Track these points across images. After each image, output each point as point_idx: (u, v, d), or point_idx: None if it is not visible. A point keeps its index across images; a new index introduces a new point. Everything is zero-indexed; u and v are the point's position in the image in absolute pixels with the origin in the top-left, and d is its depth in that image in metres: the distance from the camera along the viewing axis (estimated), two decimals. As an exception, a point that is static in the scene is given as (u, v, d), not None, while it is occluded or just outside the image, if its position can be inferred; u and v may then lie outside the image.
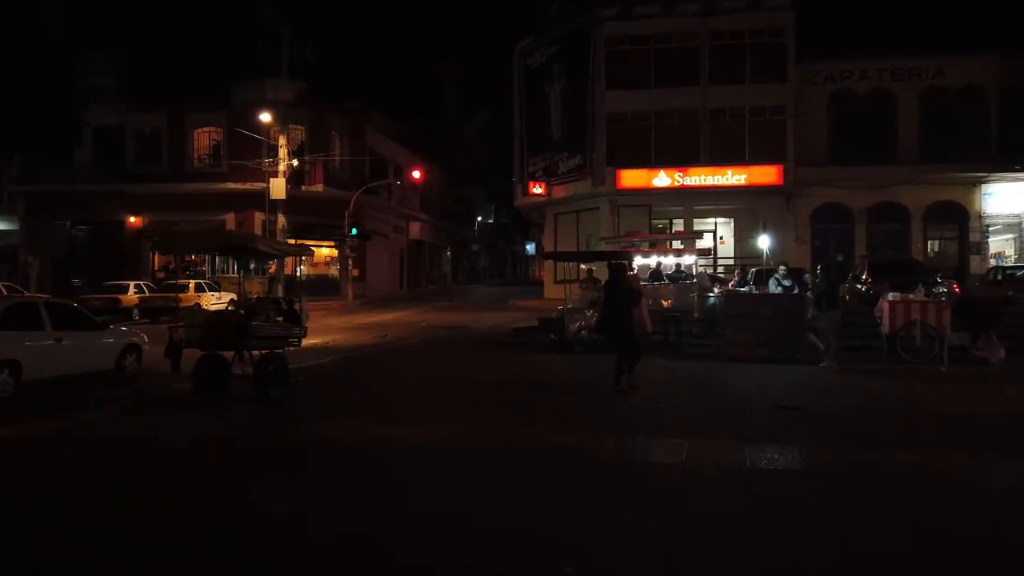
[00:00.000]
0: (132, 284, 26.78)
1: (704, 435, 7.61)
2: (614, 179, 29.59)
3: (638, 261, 21.90)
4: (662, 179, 29.20)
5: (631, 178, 29.64)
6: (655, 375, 11.76)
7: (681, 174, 29.00)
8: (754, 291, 17.57)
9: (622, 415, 8.88)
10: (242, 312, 9.85)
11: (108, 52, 33.99)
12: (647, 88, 29.42)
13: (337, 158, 34.92)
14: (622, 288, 10.39)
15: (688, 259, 22.07)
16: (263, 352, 9.50)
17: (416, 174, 33.03)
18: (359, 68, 42.50)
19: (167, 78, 33.33)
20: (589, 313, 14.31)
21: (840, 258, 28.31)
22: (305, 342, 18.33)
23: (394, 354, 15.72)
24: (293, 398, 9.70)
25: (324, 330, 21.46)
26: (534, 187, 31.89)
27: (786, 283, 14.99)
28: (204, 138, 33.81)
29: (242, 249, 11.06)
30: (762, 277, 18.28)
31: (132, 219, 33.15)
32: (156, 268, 33.77)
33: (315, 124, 33.18)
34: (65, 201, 32.48)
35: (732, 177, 28.68)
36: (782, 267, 16.37)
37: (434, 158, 48.35)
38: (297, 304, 10.48)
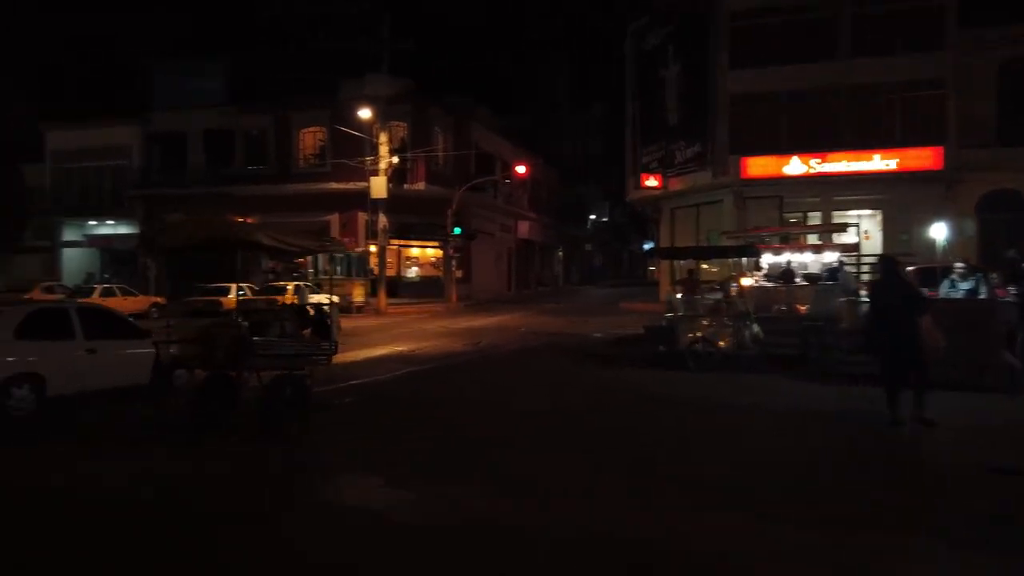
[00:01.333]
0: (234, 286, 26.46)
1: (882, 527, 5.09)
2: (738, 168, 26.49)
3: (767, 260, 19.04)
4: (795, 166, 25.81)
5: (758, 166, 26.43)
6: (790, 402, 9.16)
7: (818, 160, 25.50)
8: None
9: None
10: (244, 323, 8.08)
11: (217, 55, 34.32)
12: (776, 65, 26.08)
13: (440, 154, 33.66)
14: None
15: (829, 256, 18.90)
16: (277, 374, 7.71)
17: (521, 169, 31.19)
18: (464, 61, 41.28)
19: (273, 78, 33.26)
20: (706, 322, 11.80)
21: (1012, 254, 24.01)
22: (389, 349, 17.12)
23: (474, 367, 13.74)
24: (316, 430, 7.92)
25: (415, 336, 19.92)
26: (648, 179, 29.25)
27: (965, 285, 11.83)
28: (309, 138, 33.48)
29: (237, 243, 8.77)
30: (932, 277, 14.90)
31: (241, 221, 33.20)
32: (266, 270, 33.76)
33: (417, 120, 32.05)
34: (180, 204, 32.99)
35: (880, 162, 24.88)
36: (959, 265, 13.12)
37: (544, 154, 46.48)
38: (326, 313, 8.59)
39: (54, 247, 36.24)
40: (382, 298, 28.93)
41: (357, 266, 29.88)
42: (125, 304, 26.90)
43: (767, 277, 19.25)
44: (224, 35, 34.94)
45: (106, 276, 34.98)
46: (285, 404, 7.53)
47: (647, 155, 30.50)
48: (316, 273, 30.00)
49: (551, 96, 55.24)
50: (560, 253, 53.07)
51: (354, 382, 11.61)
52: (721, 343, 11.22)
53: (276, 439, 7.40)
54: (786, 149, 26.14)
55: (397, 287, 32.74)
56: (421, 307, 30.58)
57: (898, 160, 24.79)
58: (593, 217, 58.66)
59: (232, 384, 7.85)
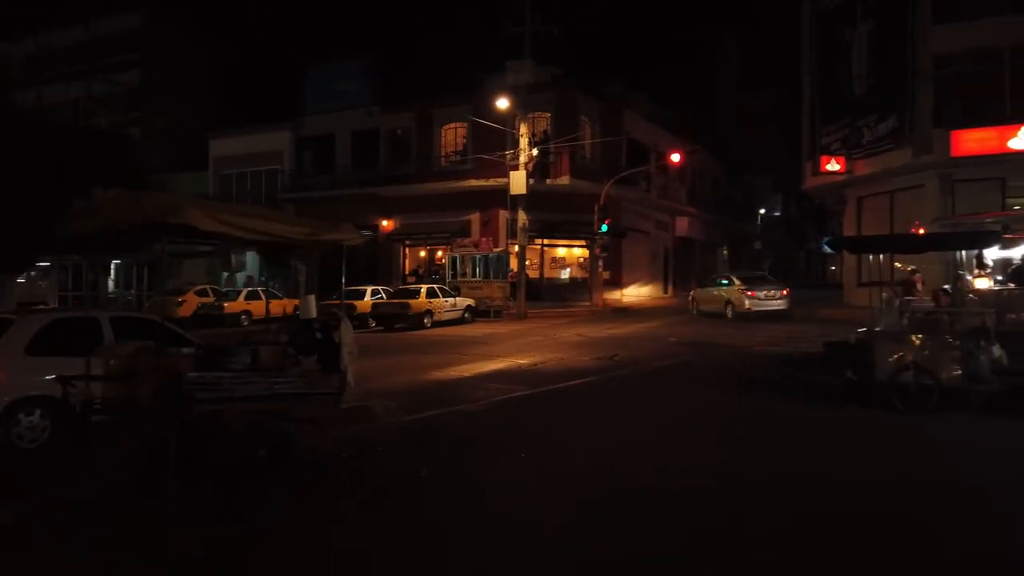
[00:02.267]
0: (369, 289, 25.49)
1: None
2: (946, 144, 21.57)
3: (993, 255, 14.77)
4: (1023, 140, 20.57)
5: (973, 141, 21.38)
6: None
7: (1056, 129, 20.14)
8: None
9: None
10: (189, 350, 5.82)
11: (362, 55, 33.90)
12: (995, 15, 20.93)
13: (587, 144, 30.99)
14: None
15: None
16: (250, 423, 5.43)
17: (675, 157, 27.80)
18: (618, 45, 38.35)
19: (417, 75, 32.25)
20: (918, 341, 8.31)
21: None
22: (507, 362, 14.78)
23: (596, 395, 10.92)
24: (296, 509, 5.53)
25: (545, 345, 17.49)
26: (829, 162, 24.84)
27: None
28: (450, 135, 32.13)
29: (161, 227, 6.04)
30: None
31: (384, 222, 32.59)
32: (407, 271, 32.93)
33: (562, 109, 29.62)
34: (327, 206, 32.87)
35: None
36: None
37: (709, 144, 42.39)
38: (336, 331, 6.15)
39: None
40: (521, 302, 26.82)
41: (497, 267, 27.98)
42: (263, 307, 26.79)
43: (995, 278, 14.90)
44: (370, 33, 34.50)
45: (263, 279, 35.76)
46: (257, 466, 5.24)
47: (828, 135, 26.02)
48: (454, 274, 28.45)
49: (718, 81, 50.72)
50: (724, 252, 48.46)
51: (425, 414, 9.34)
52: (943, 372, 7.72)
53: (232, 515, 5.18)
54: (1011, 118, 20.91)
55: (540, 290, 30.52)
56: (565, 311, 28.15)
57: None
58: (763, 211, 53.19)
59: (190, 436, 5.52)
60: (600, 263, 29.80)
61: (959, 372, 7.45)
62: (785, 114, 50.18)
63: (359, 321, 23.91)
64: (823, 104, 26.60)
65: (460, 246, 28.60)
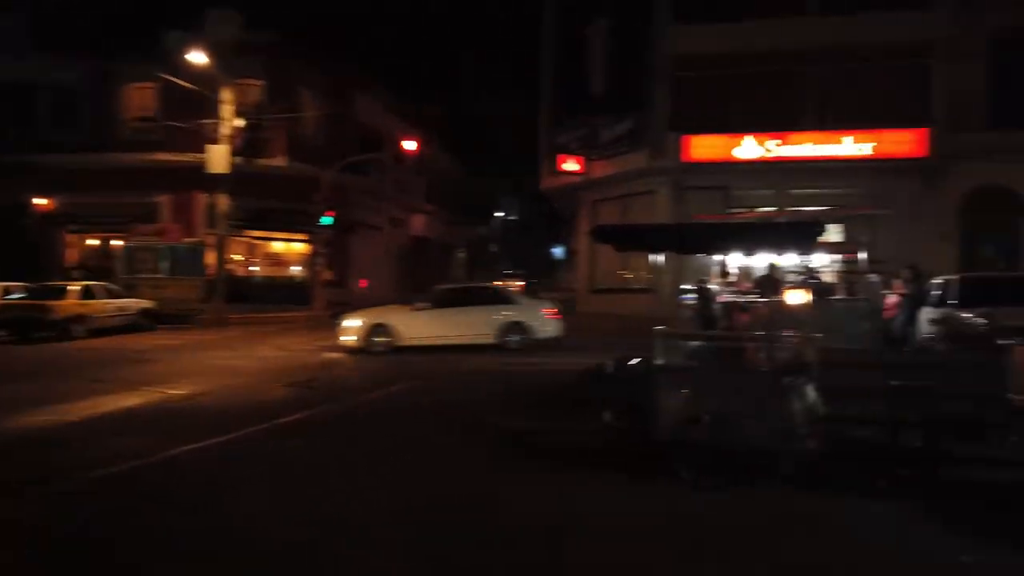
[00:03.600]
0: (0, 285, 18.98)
1: None
2: (678, 148, 21.13)
3: (733, 263, 13.74)
4: (748, 149, 20.66)
5: (703, 147, 21.16)
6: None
7: (777, 142, 20.45)
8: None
9: None
10: None
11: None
12: (731, 21, 20.86)
13: (311, 122, 26.82)
14: None
15: (820, 258, 13.64)
16: None
17: (410, 145, 24.86)
18: (356, 32, 34.77)
19: (91, 18, 25.55)
20: (717, 383, 5.82)
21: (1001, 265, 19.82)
22: (156, 393, 10.10)
23: (260, 457, 7.11)
24: None
25: (226, 366, 13.24)
26: (566, 162, 23.52)
27: None
28: (136, 97, 25.97)
29: None
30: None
31: (41, 200, 25.43)
32: (69, 264, 26.04)
33: (277, 79, 25.12)
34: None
35: (853, 146, 20.04)
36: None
37: (448, 142, 40.24)
38: None
39: None
40: (219, 304, 21.97)
41: (191, 262, 22.75)
42: None
43: (735, 288, 13.83)
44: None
45: None
46: None
47: (566, 134, 24.76)
48: (131, 269, 22.58)
49: (461, 81, 49.04)
50: (462, 254, 46.86)
51: None
52: (750, 427, 5.24)
53: None
54: (738, 127, 20.99)
55: (249, 291, 25.74)
56: (278, 317, 23.77)
57: (875, 144, 20.00)
58: (501, 214, 52.73)
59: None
60: (322, 261, 25.81)
61: (767, 426, 5.09)
62: (525, 118, 50.15)
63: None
64: (562, 102, 25.34)
65: (139, 234, 22.86)
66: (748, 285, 14.07)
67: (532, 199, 54.39)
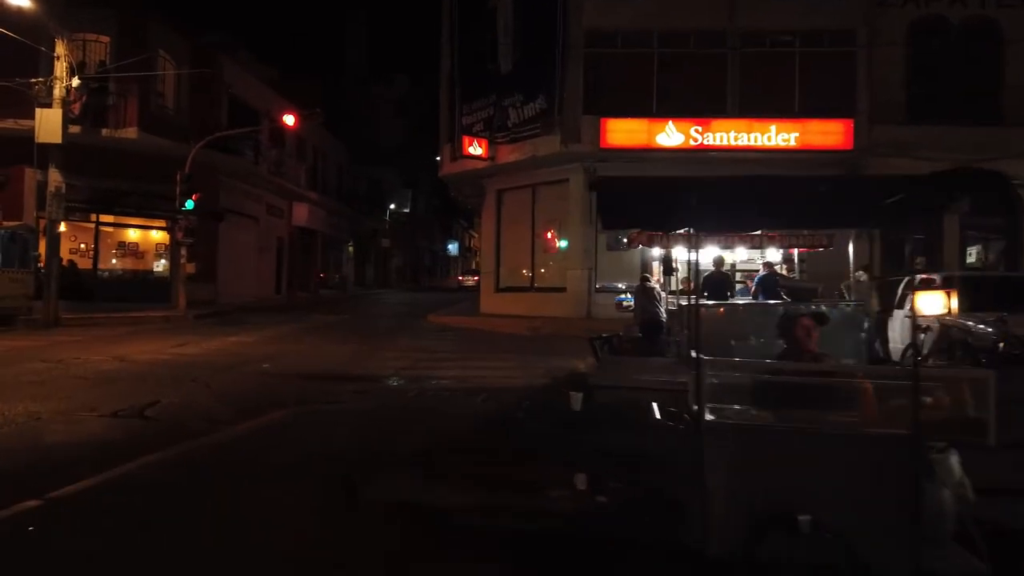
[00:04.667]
0: None
1: None
2: (596, 133, 19.27)
3: (680, 257, 11.79)
4: (670, 136, 19.04)
5: (623, 132, 19.39)
6: None
7: (699, 128, 18.94)
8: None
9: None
10: None
11: None
12: (649, -6, 19.22)
13: (170, 90, 23.04)
14: None
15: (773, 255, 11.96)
16: None
17: (289, 119, 21.65)
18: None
19: None
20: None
21: (920, 262, 19.25)
22: None
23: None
24: None
25: (39, 383, 9.93)
26: (471, 144, 21.12)
27: None
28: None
29: None
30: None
31: None
32: None
33: (128, 36, 21.21)
34: None
35: (777, 136, 18.83)
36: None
37: (335, 127, 36.88)
38: None
39: None
40: (51, 303, 18.08)
41: (17, 251, 18.65)
42: None
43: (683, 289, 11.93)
44: None
45: None
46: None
47: (470, 115, 22.37)
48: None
49: (347, 61, 45.60)
50: (351, 248, 43.49)
51: None
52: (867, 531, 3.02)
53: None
54: (659, 112, 19.35)
55: (94, 286, 21.77)
56: (129, 317, 20.05)
57: (798, 134, 18.88)
58: (392, 207, 49.59)
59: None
60: (183, 252, 22.15)
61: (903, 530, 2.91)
62: (416, 105, 47.32)
63: None
64: (466, 81, 22.92)
65: (-58, 214, 18.54)
66: (691, 286, 12.25)
67: (425, 193, 51.74)
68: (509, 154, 21.15)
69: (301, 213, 33.53)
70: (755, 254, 12.49)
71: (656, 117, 19.10)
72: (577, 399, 5.59)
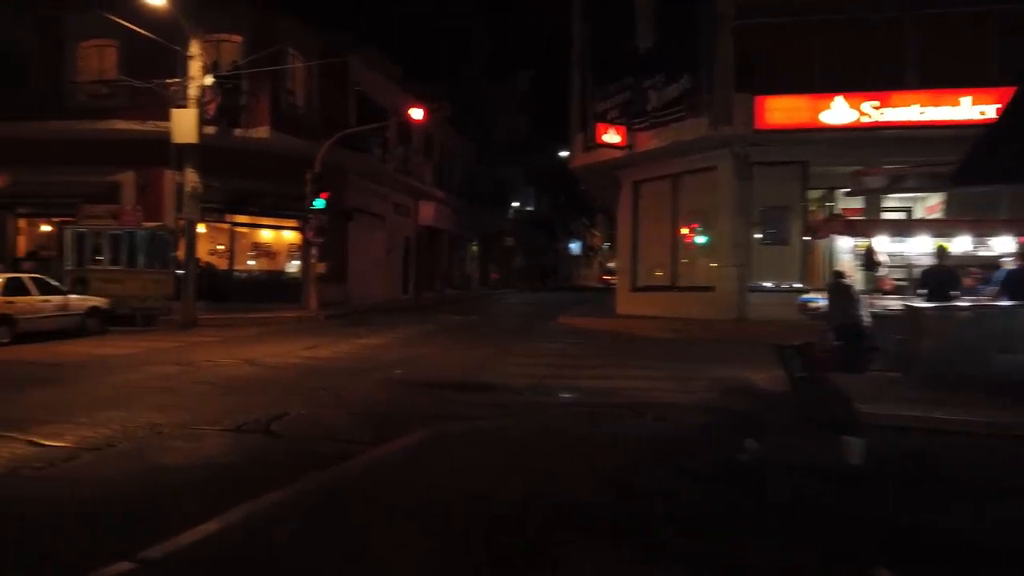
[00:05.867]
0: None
1: None
2: (749, 113, 17.19)
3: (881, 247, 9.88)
4: (839, 112, 16.68)
5: (781, 111, 17.21)
6: None
7: (877, 103, 16.47)
8: None
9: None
10: None
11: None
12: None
13: (300, 88, 22.91)
14: None
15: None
16: None
17: (417, 113, 20.92)
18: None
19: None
20: None
21: None
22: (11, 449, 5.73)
23: None
24: None
25: (167, 388, 9.29)
26: (606, 132, 19.53)
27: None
28: (94, 56, 22.00)
29: None
30: None
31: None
32: (22, 254, 22.18)
33: (261, 35, 21.09)
34: None
35: (974, 109, 16.07)
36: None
37: (459, 124, 36.28)
38: None
39: None
40: (189, 303, 18.13)
41: (157, 252, 18.90)
42: None
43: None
44: None
45: None
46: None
47: (604, 101, 20.78)
48: (80, 259, 18.71)
49: (471, 58, 45.09)
50: (475, 248, 42.89)
51: None
52: None
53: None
54: (823, 87, 17.04)
55: (229, 286, 21.92)
56: (261, 317, 19.97)
57: (998, 104, 15.99)
58: (516, 205, 48.63)
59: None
60: (314, 252, 21.92)
61: None
62: (540, 101, 46.21)
63: None
64: (599, 65, 21.35)
65: (89, 216, 18.97)
66: (892, 284, 10.16)
67: (550, 189, 50.49)
68: (648, 141, 19.41)
69: (427, 212, 33.11)
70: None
71: (821, 92, 16.80)
72: (856, 447, 3.99)
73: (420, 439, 6.73)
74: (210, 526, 4.24)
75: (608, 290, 33.37)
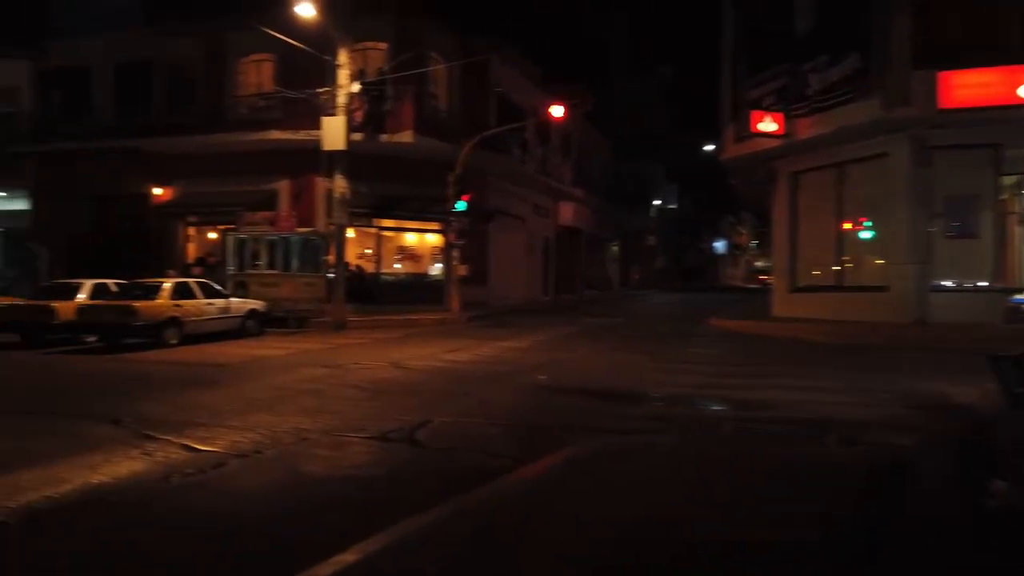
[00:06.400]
0: (89, 283, 16.47)
1: None
2: (930, 91, 15.24)
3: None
4: (1043, 85, 14.47)
5: (970, 88, 15.14)
6: None
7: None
8: None
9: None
10: None
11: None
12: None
13: (441, 90, 23.09)
14: None
15: None
16: None
17: (557, 110, 20.45)
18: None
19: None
20: None
21: None
22: (166, 452, 5.06)
23: None
24: None
25: (316, 390, 9.32)
26: (762, 120, 18.11)
27: None
28: (252, 72, 23.28)
29: None
30: None
31: (158, 190, 23.39)
32: (191, 260, 23.83)
33: (404, 40, 21.42)
34: (83, 164, 23.27)
35: None
36: None
37: (598, 121, 35.56)
38: None
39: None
40: (338, 305, 18.62)
41: (310, 256, 19.63)
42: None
43: None
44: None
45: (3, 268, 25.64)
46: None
47: (758, 88, 19.33)
48: (241, 264, 19.73)
49: (608, 54, 44.21)
50: (615, 248, 41.93)
51: None
52: None
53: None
54: (1020, 56, 14.85)
55: (375, 289, 22.42)
56: (406, 319, 20.24)
57: None
58: (658, 203, 47.10)
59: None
60: (456, 254, 21.98)
61: None
62: (681, 94, 44.52)
63: (57, 334, 15.16)
64: (752, 49, 19.92)
65: (248, 223, 19.95)
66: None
67: (693, 185, 48.61)
68: (809, 128, 17.79)
69: (567, 212, 32.62)
70: None
71: (1019, 64, 14.63)
72: None
73: (570, 456, 6.13)
74: (347, 556, 3.84)
75: (759, 291, 31.44)
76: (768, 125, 18.03)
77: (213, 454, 6.32)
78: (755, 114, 18.10)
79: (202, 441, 6.72)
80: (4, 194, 26.06)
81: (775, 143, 18.43)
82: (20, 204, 25.54)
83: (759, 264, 79.56)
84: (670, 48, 47.96)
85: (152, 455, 6.26)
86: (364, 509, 4.98)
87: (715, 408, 8.82)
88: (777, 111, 18.27)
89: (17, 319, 15.58)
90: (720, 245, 63.49)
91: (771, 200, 21.25)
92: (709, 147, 34.37)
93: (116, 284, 16.70)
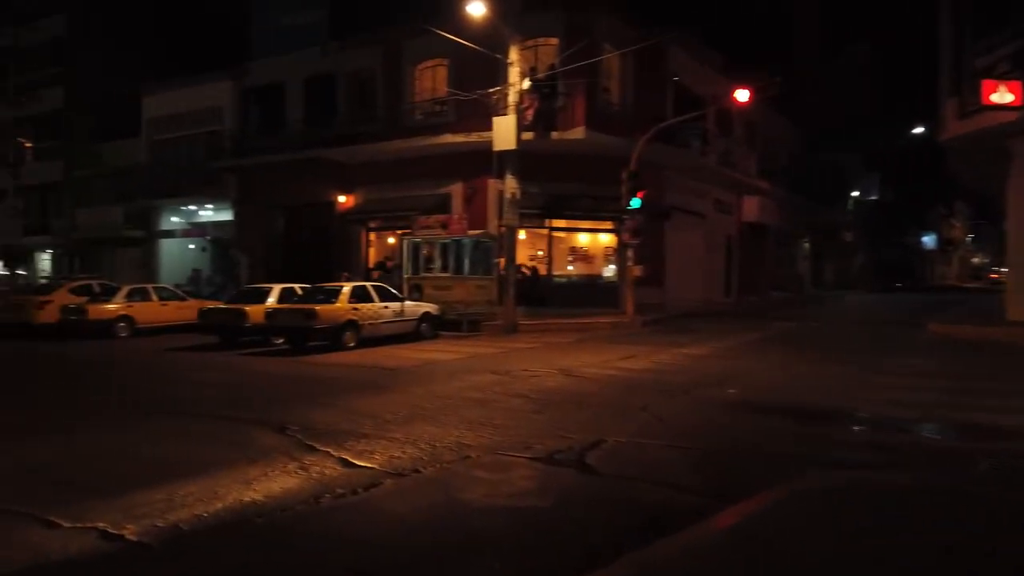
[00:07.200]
0: (279, 288, 17.30)
1: None
2: None
3: None
4: None
5: None
6: None
7: None
8: None
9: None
10: None
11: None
12: None
13: (614, 82, 22.03)
14: None
15: None
16: None
17: (742, 95, 18.65)
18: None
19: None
20: None
21: None
22: (322, 467, 4.78)
23: None
24: None
25: (483, 400, 8.75)
26: (994, 91, 15.30)
27: None
28: (427, 77, 23.57)
29: None
30: None
31: (342, 197, 24.41)
32: (372, 264, 24.64)
33: (574, 33, 20.51)
34: (275, 176, 24.89)
35: None
36: None
37: (785, 108, 32.74)
38: None
39: (151, 237, 30.17)
40: (509, 308, 18.21)
41: (481, 258, 19.44)
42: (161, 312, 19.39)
43: None
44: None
45: (212, 274, 28.16)
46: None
47: (988, 55, 16.44)
48: (416, 268, 19.93)
49: (795, 34, 40.86)
50: (806, 245, 38.48)
51: None
52: None
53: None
54: None
55: (546, 291, 21.86)
56: (578, 323, 19.46)
57: None
58: (856, 194, 42.66)
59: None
60: (630, 254, 20.84)
61: None
62: (882, 73, 40.15)
63: (248, 333, 15.97)
64: (980, 7, 17.02)
65: (422, 227, 20.07)
66: None
67: (897, 174, 43.82)
68: (1056, 96, 14.78)
69: (751, 207, 30.27)
70: None
71: None
72: None
73: (778, 502, 4.93)
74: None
75: (983, 291, 27.37)
76: (1003, 96, 15.18)
77: (369, 471, 5.85)
78: (987, 83, 15.32)
79: (360, 455, 6.29)
80: (211, 206, 28.56)
81: (1011, 117, 15.52)
82: (225, 215, 27.84)
83: (975, 260, 70.54)
84: (868, 21, 43.37)
85: (308, 469, 5.89)
86: (523, 551, 4.21)
87: (957, 435, 7.15)
88: (1013, 79, 15.38)
89: (216, 322, 16.65)
90: (928, 240, 56.74)
91: (1004, 185, 18.09)
92: (918, 129, 30.46)
93: (302, 288, 17.41)
